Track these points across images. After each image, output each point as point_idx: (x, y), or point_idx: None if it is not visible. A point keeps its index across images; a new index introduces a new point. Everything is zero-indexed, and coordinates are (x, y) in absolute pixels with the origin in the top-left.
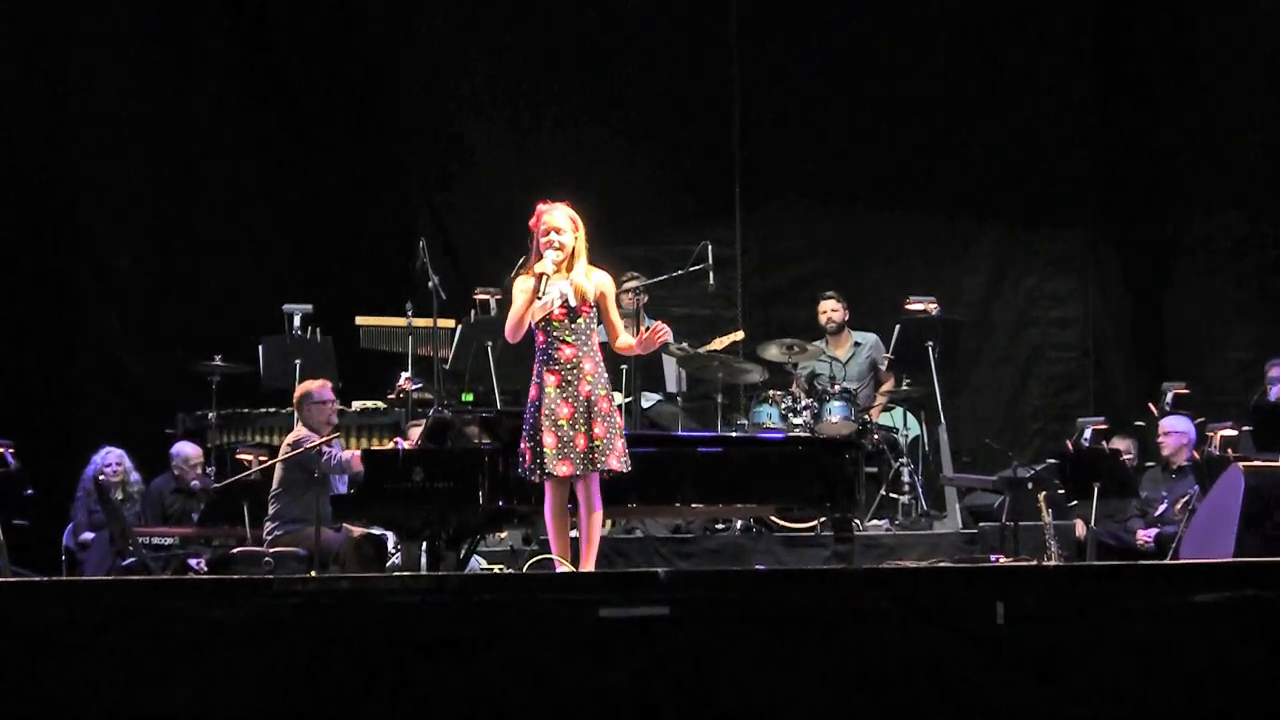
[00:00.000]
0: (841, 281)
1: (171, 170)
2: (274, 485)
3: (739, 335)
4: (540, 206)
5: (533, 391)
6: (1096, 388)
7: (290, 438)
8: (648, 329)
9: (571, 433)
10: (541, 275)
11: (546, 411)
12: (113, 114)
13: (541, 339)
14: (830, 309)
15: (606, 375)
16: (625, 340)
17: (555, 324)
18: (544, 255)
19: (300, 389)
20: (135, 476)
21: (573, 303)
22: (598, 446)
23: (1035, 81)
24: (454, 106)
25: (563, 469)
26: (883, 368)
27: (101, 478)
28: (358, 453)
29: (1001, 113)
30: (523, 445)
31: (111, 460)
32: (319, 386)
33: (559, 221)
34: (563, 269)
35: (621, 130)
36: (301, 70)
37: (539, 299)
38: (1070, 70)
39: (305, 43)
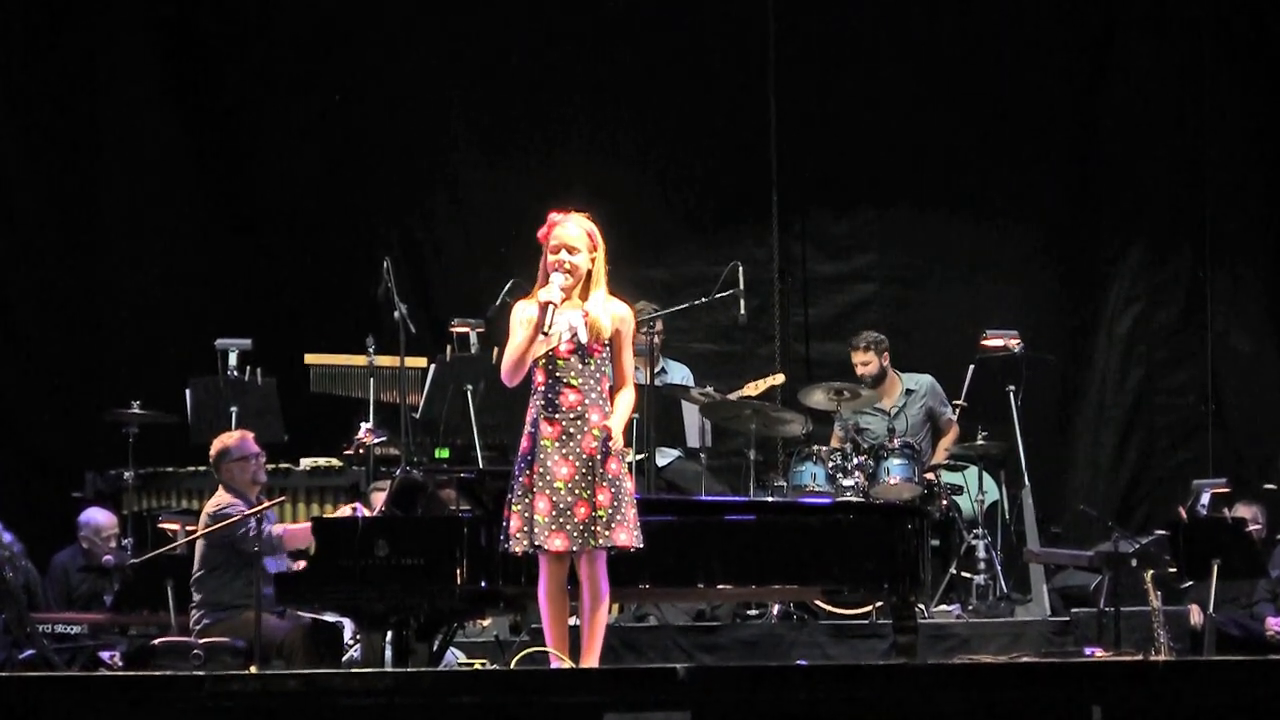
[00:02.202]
0: (903, 312)
1: (82, 181)
2: (195, 564)
3: (778, 379)
4: (553, 215)
5: (524, 443)
6: (1216, 443)
7: (210, 506)
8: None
9: (570, 499)
10: (548, 305)
11: (540, 470)
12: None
13: (541, 379)
14: (860, 362)
15: None
16: (627, 396)
17: (560, 362)
18: (550, 279)
19: (215, 445)
20: (18, 547)
21: (583, 339)
22: (600, 517)
23: (1138, 75)
24: (429, 101)
25: (556, 542)
26: (949, 415)
27: None
28: (304, 525)
29: (1093, 114)
30: (507, 510)
31: None
32: (237, 440)
33: (572, 237)
34: (574, 295)
35: (634, 128)
36: (235, 65)
37: (543, 334)
38: (1182, 63)
39: (236, 35)
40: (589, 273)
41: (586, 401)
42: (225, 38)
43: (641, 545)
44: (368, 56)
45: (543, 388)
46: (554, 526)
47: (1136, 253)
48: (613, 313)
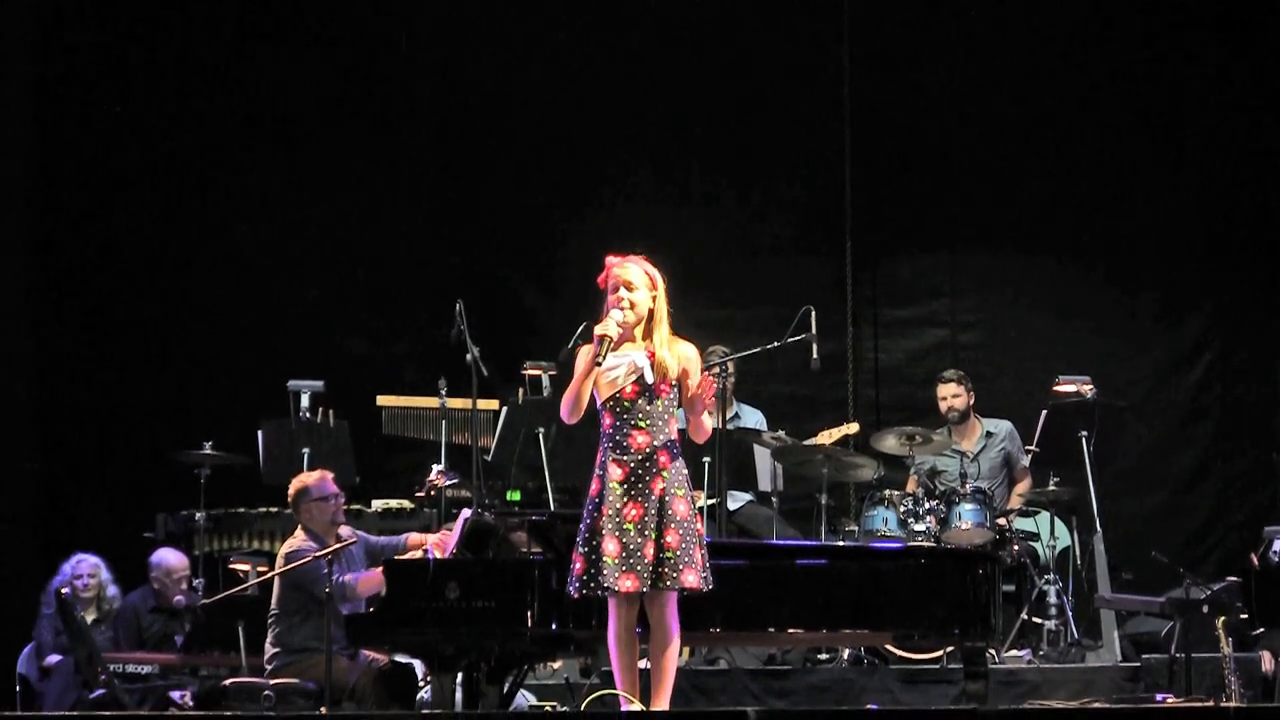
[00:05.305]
0: (975, 355)
1: (151, 215)
2: (272, 605)
3: (852, 429)
4: (610, 259)
5: (594, 486)
6: None
7: (286, 547)
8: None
9: (639, 539)
10: (604, 338)
11: (609, 512)
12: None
13: (609, 422)
14: (950, 394)
15: (686, 472)
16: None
17: (626, 404)
18: (609, 315)
19: (295, 485)
20: (114, 590)
21: (650, 379)
22: (669, 559)
23: (1216, 120)
24: (506, 149)
25: (626, 583)
26: (1023, 463)
27: (65, 591)
28: (377, 571)
29: (1170, 157)
30: (575, 553)
31: (84, 570)
32: (317, 480)
33: (632, 277)
34: (638, 337)
35: (706, 172)
36: (308, 105)
37: (598, 365)
38: (1261, 108)
39: (314, 79)
40: (651, 312)
41: (655, 443)
42: (301, 80)
43: (710, 587)
44: (451, 106)
45: (610, 430)
46: (624, 568)
47: (1210, 299)
48: (679, 352)
